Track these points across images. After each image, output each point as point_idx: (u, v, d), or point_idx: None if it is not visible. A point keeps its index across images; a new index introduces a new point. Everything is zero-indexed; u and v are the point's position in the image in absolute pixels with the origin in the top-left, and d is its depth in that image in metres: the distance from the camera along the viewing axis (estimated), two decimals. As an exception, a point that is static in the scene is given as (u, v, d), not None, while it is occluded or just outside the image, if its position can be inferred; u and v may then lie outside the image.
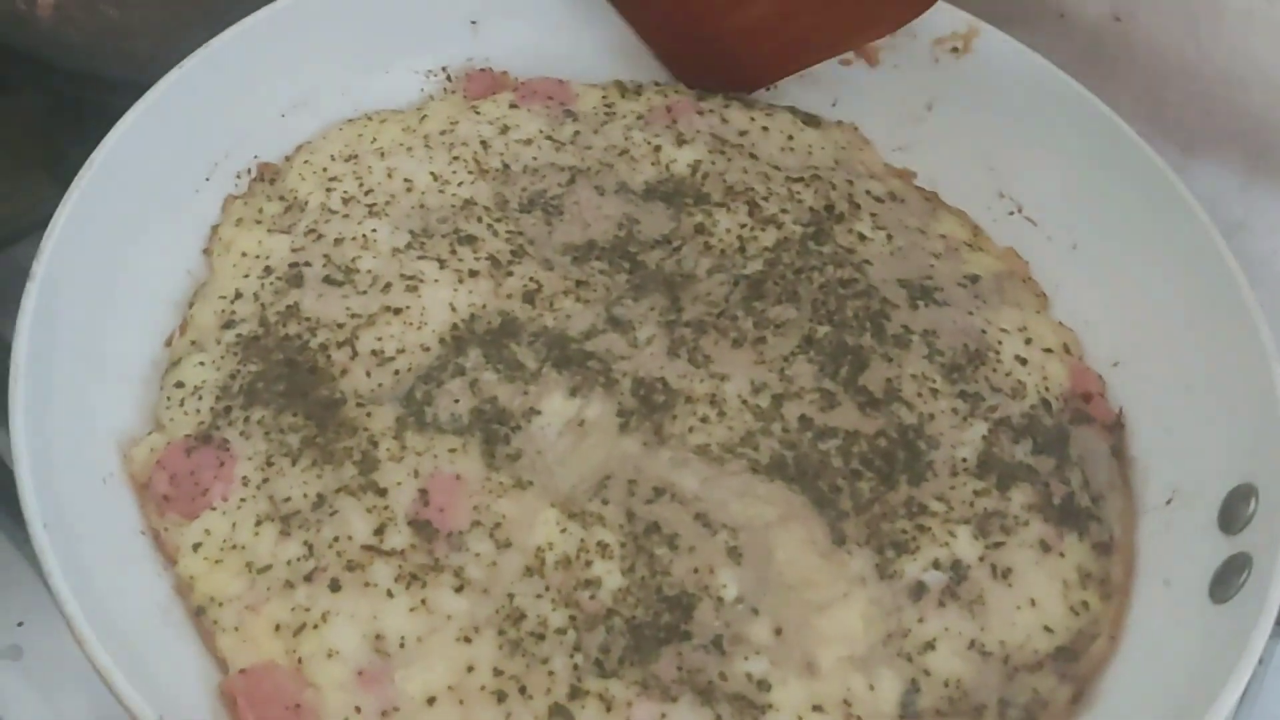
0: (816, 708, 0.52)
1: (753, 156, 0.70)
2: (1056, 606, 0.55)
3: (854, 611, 0.54)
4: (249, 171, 0.69)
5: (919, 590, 0.55)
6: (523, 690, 0.51)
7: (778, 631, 0.53)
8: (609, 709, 0.51)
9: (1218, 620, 0.52)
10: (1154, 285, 0.65)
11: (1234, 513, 0.55)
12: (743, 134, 0.72)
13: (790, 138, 0.72)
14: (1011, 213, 0.71)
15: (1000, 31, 0.72)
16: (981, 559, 0.56)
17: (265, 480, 0.56)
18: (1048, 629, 0.55)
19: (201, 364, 0.60)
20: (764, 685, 0.52)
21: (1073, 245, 0.69)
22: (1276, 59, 0.69)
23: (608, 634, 0.53)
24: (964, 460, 0.58)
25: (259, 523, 0.55)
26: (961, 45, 0.72)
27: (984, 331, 0.63)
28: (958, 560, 0.55)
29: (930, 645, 0.54)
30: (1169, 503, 0.59)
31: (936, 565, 0.55)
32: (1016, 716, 0.53)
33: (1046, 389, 0.62)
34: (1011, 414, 0.60)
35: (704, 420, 0.59)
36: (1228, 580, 0.53)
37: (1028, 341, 0.64)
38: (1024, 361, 0.63)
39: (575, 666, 0.52)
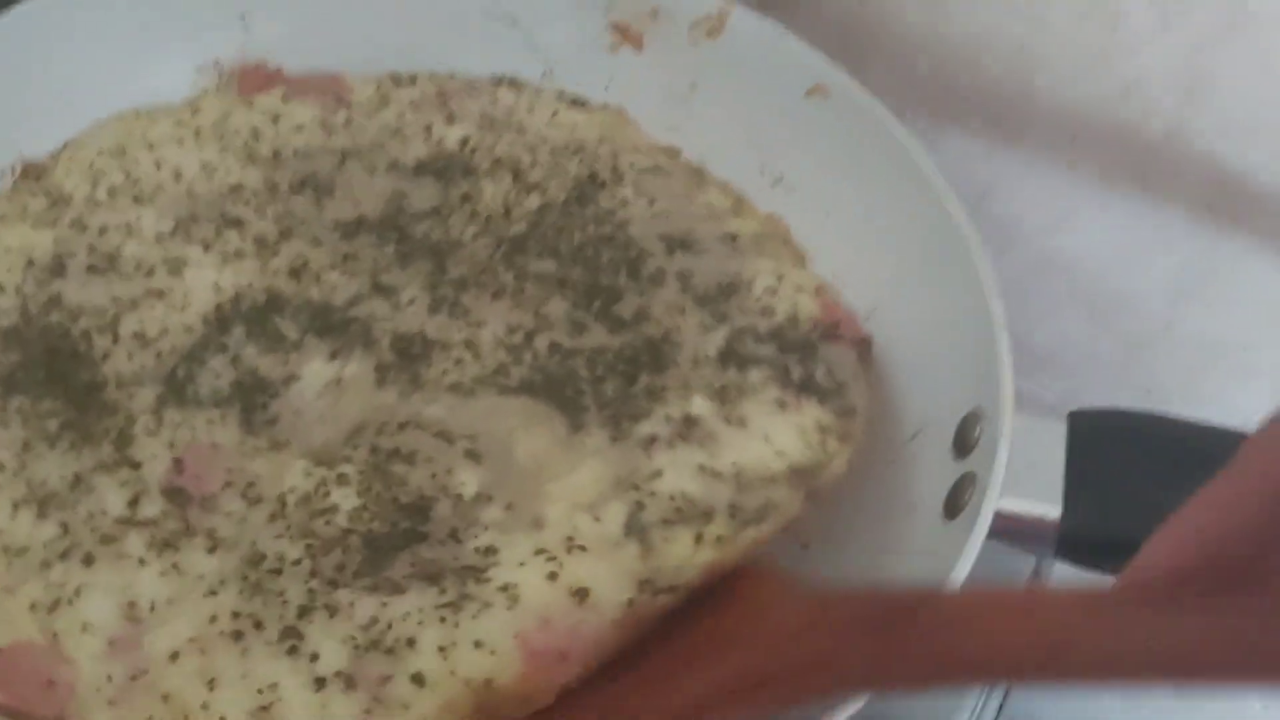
0: (539, 551, 0.53)
1: (520, 132, 0.72)
2: (792, 441, 0.57)
3: (585, 473, 0.55)
4: (13, 170, 0.69)
5: (649, 441, 0.56)
6: (258, 625, 0.51)
7: (508, 507, 0.55)
8: (333, 615, 0.51)
9: (948, 534, 0.56)
10: (896, 242, 0.68)
11: (965, 438, 0.59)
12: (511, 112, 0.74)
13: (555, 114, 0.74)
14: (773, 184, 0.74)
15: (753, 12, 0.76)
16: (715, 415, 0.58)
17: (23, 466, 0.56)
18: (780, 454, 0.57)
19: (-41, 358, 0.60)
20: (490, 551, 0.53)
21: (827, 212, 0.72)
22: (1005, 29, 0.74)
23: (344, 553, 0.53)
24: (707, 356, 0.61)
25: (16, 507, 0.55)
26: (715, 26, 0.76)
27: (738, 272, 0.66)
28: (690, 415, 0.58)
29: (657, 474, 0.55)
30: (914, 438, 0.63)
31: (668, 420, 0.57)
32: (748, 517, 0.54)
33: (796, 314, 0.65)
34: (758, 325, 0.63)
35: (458, 362, 0.60)
36: (958, 499, 0.57)
37: (780, 278, 0.66)
38: (774, 293, 0.65)
39: (310, 591, 0.52)
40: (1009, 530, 0.57)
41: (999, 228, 0.66)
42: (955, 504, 0.57)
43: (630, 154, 0.74)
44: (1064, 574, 0.62)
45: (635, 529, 0.54)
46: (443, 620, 0.51)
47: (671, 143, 0.77)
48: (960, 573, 0.52)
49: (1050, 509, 0.57)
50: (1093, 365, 0.77)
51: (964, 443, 0.59)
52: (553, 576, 0.52)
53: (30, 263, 0.64)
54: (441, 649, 0.50)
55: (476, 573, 0.52)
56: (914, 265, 0.68)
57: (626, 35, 0.78)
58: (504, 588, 0.52)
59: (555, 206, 0.68)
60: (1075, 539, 0.57)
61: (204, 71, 0.75)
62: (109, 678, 0.51)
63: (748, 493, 0.55)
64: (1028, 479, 0.57)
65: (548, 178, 0.70)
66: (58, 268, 0.63)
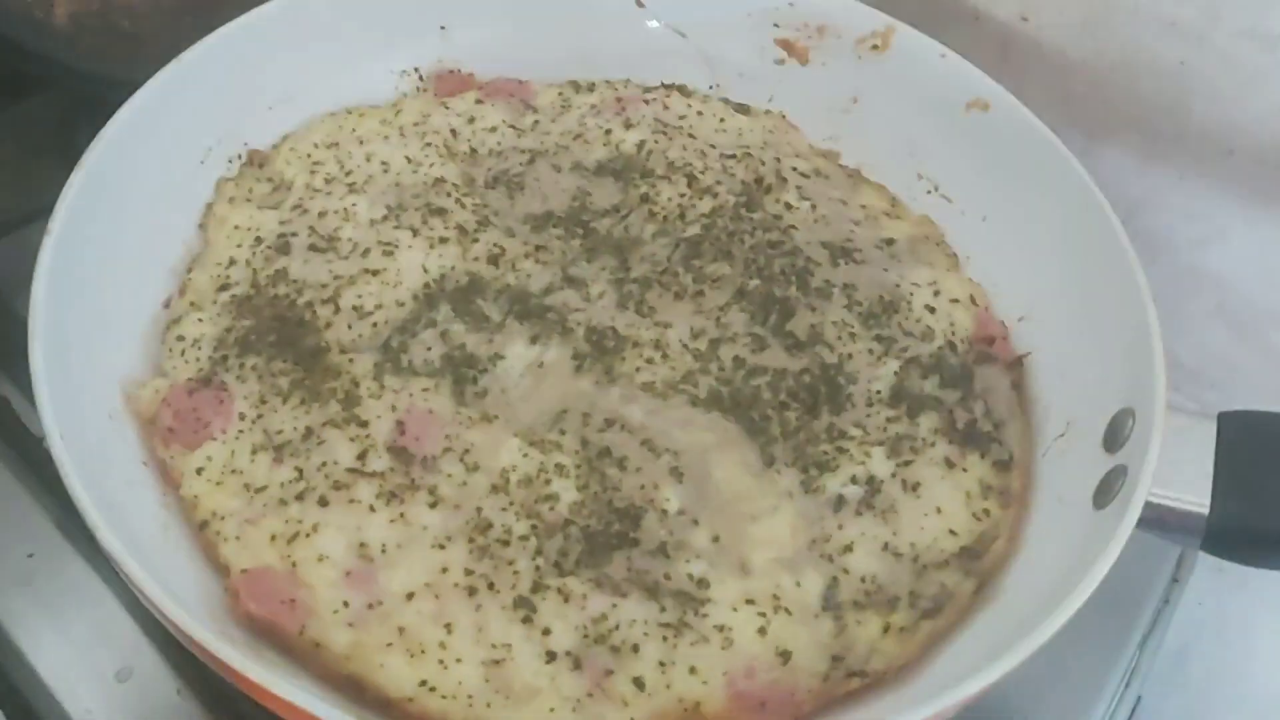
0: (749, 601, 0.59)
1: (691, 136, 0.78)
2: (960, 513, 0.63)
3: (782, 521, 0.61)
4: (239, 157, 0.76)
5: (839, 502, 0.62)
6: (491, 586, 0.58)
7: (715, 539, 0.60)
8: (566, 600, 0.58)
9: (1098, 522, 0.59)
10: (1054, 250, 0.72)
11: (1116, 433, 0.63)
12: (682, 118, 0.80)
13: (722, 120, 0.80)
14: (929, 191, 0.79)
15: (917, 30, 0.80)
16: (893, 475, 0.63)
17: (260, 416, 0.63)
18: (952, 532, 0.62)
19: (200, 320, 0.67)
20: (703, 583, 0.59)
21: (983, 218, 0.77)
22: (1159, 50, 0.77)
23: (565, 540, 0.60)
24: (878, 392, 0.66)
25: (255, 451, 0.62)
26: (881, 43, 0.81)
27: (898, 285, 0.71)
28: (872, 476, 0.63)
29: (848, 548, 0.61)
30: (1064, 434, 0.67)
31: (854, 480, 0.63)
32: (926, 606, 0.60)
33: (953, 333, 0.70)
34: (921, 354, 0.68)
35: (649, 361, 0.66)
36: (1108, 489, 0.60)
37: (936, 294, 0.71)
38: (933, 310, 0.70)
39: (537, 567, 0.59)
40: (1159, 521, 0.60)
41: (1148, 241, 0.68)
42: (1105, 494, 0.61)
43: (792, 159, 0.79)
44: (1208, 564, 0.65)
45: (831, 604, 0.59)
46: (664, 639, 0.57)
47: (830, 149, 0.82)
48: (1110, 556, 0.56)
49: (1199, 503, 0.60)
50: (1237, 379, 0.79)
51: (1115, 438, 0.63)
52: (762, 631, 0.58)
53: (258, 240, 0.71)
54: (661, 664, 0.57)
55: (694, 603, 0.58)
56: (1069, 271, 0.71)
57: (792, 50, 0.83)
58: (720, 628, 0.58)
59: (726, 210, 0.74)
60: (1222, 532, 0.60)
61: (405, 77, 0.82)
62: (345, 603, 0.57)
63: (924, 579, 0.60)
64: (1178, 474, 0.60)
65: (718, 182, 0.75)
66: (283, 246, 0.70)
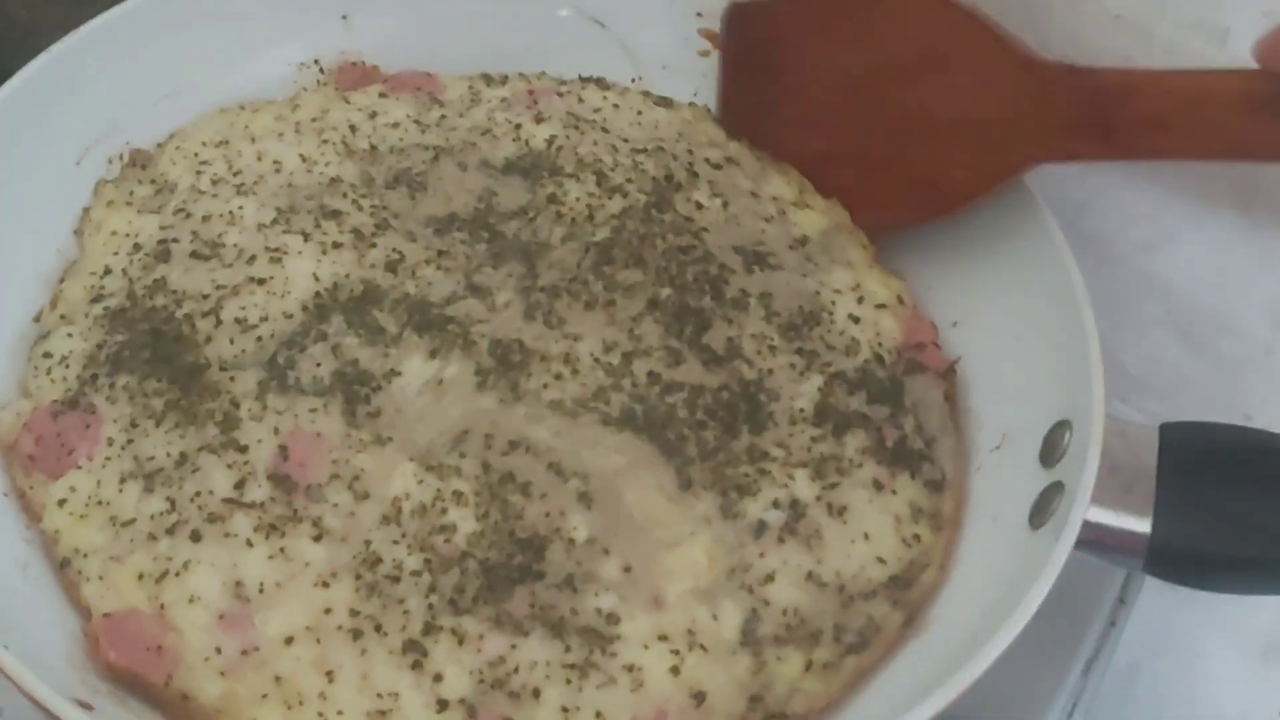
0: (662, 637, 0.54)
1: (604, 130, 0.73)
2: (889, 539, 0.59)
3: (699, 549, 0.57)
4: (121, 157, 0.71)
5: (760, 528, 0.58)
6: (378, 628, 0.53)
7: (627, 569, 0.56)
8: (460, 643, 0.53)
9: (1033, 543, 0.56)
10: (982, 247, 0.69)
11: (1052, 447, 0.59)
12: (597, 111, 0.75)
13: (640, 113, 0.75)
14: None
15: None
16: (818, 498, 0.59)
17: (130, 441, 0.58)
18: (880, 560, 0.58)
19: (69, 335, 0.62)
20: (613, 619, 0.55)
21: None
22: (1104, 44, 0.73)
23: (462, 575, 0.55)
24: (801, 410, 0.62)
25: (123, 480, 0.57)
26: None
27: (817, 293, 0.67)
28: (796, 500, 0.59)
29: (770, 578, 0.57)
30: (999, 447, 0.63)
31: (776, 505, 0.58)
32: (852, 641, 0.56)
33: (880, 344, 0.65)
34: (846, 368, 0.64)
35: (558, 377, 0.61)
36: (1044, 508, 0.57)
37: (860, 300, 0.67)
38: (856, 320, 0.66)
39: (430, 606, 0.54)
40: (1097, 542, 0.57)
41: (1093, 245, 0.65)
42: (1041, 513, 0.57)
43: (706, 148, 0.74)
44: (1154, 586, 0.62)
45: (750, 640, 0.55)
46: (568, 682, 0.53)
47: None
48: (1046, 582, 0.52)
49: (1140, 522, 0.57)
50: (1187, 388, 0.76)
51: (1052, 452, 0.59)
52: (675, 671, 0.54)
53: (136, 247, 0.66)
54: (565, 709, 0.53)
55: (602, 641, 0.54)
56: (999, 271, 0.68)
57: (716, 41, 0.79)
58: (629, 668, 0.54)
59: (636, 211, 0.69)
60: (1165, 553, 0.57)
61: (304, 69, 0.77)
62: (218, 650, 0.52)
63: (850, 610, 0.56)
64: (1118, 491, 0.57)
65: (628, 180, 0.71)
66: (163, 253, 0.65)
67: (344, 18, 0.78)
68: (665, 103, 0.78)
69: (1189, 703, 0.77)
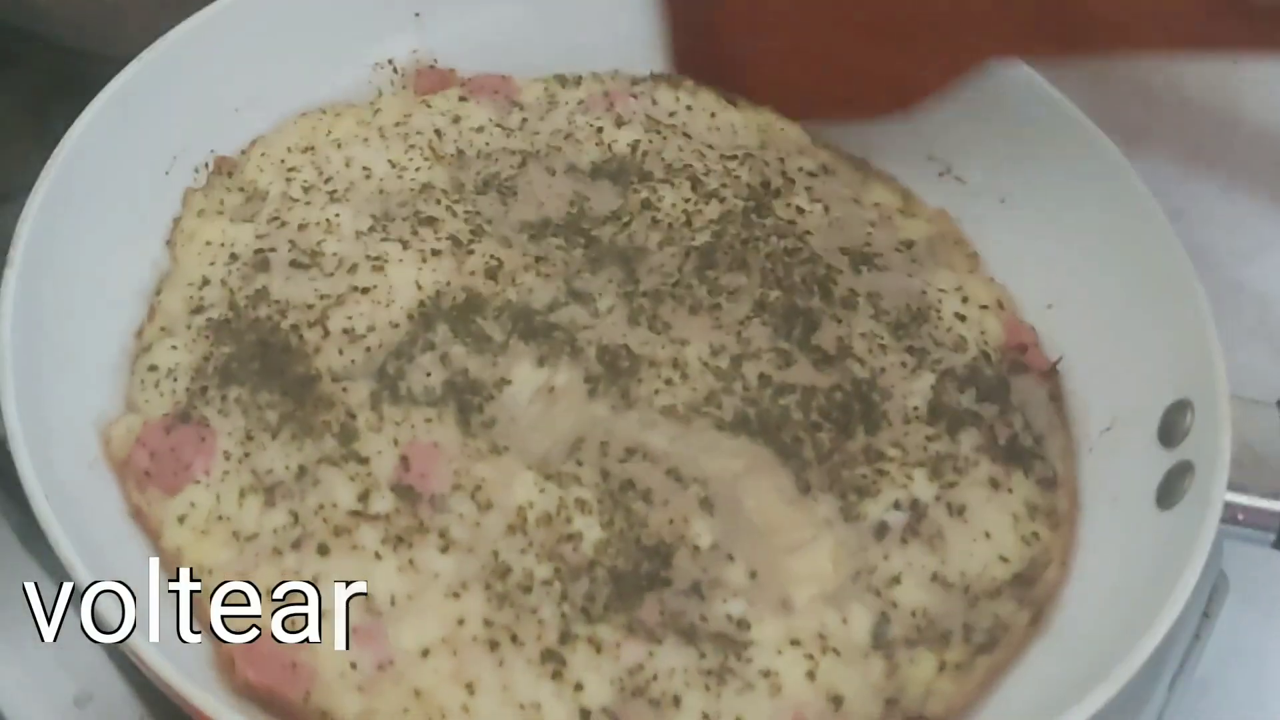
0: (794, 642, 0.55)
1: (686, 135, 0.73)
2: (1009, 538, 0.59)
3: (823, 552, 0.57)
4: (206, 165, 0.70)
5: (882, 530, 0.58)
6: (514, 638, 0.53)
7: (753, 574, 0.56)
8: (598, 651, 0.53)
9: (1167, 525, 0.56)
10: (1080, 230, 0.68)
11: (1172, 427, 0.59)
12: (672, 114, 0.75)
13: (713, 115, 0.75)
14: (941, 173, 0.75)
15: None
16: (938, 498, 0.59)
17: (246, 454, 0.58)
18: (1003, 559, 0.58)
19: (173, 348, 0.62)
20: (743, 624, 0.55)
21: (1000, 200, 0.73)
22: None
23: (592, 583, 0.55)
24: (915, 409, 0.62)
25: (243, 494, 0.57)
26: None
27: (924, 292, 0.67)
28: (916, 500, 0.59)
29: (896, 580, 0.57)
30: (1109, 429, 0.63)
31: (897, 506, 0.59)
32: (981, 640, 0.56)
33: (985, 342, 0.66)
34: (955, 365, 0.64)
35: (668, 383, 0.61)
36: (1173, 487, 0.57)
37: (964, 300, 0.67)
38: (963, 318, 0.66)
39: (563, 614, 0.54)
40: (1230, 518, 0.56)
41: (1189, 253, 0.65)
42: (1171, 494, 0.57)
43: (796, 157, 0.74)
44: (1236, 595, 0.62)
45: (881, 643, 0.55)
46: (707, 688, 0.53)
47: (831, 139, 0.77)
48: (1199, 561, 0.52)
49: (1273, 501, 0.57)
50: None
51: (1171, 432, 0.59)
52: (810, 675, 0.54)
53: (233, 257, 0.65)
54: (706, 715, 0.53)
55: (736, 647, 0.54)
56: (1098, 253, 0.67)
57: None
58: (766, 673, 0.54)
59: (735, 215, 0.69)
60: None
61: (379, 69, 0.76)
62: (353, 665, 0.52)
63: (977, 610, 0.57)
64: (1248, 467, 0.57)
65: (722, 185, 0.70)
66: (261, 262, 0.65)
67: (416, 15, 0.77)
68: (734, 101, 0.77)
69: (1260, 716, 0.77)
